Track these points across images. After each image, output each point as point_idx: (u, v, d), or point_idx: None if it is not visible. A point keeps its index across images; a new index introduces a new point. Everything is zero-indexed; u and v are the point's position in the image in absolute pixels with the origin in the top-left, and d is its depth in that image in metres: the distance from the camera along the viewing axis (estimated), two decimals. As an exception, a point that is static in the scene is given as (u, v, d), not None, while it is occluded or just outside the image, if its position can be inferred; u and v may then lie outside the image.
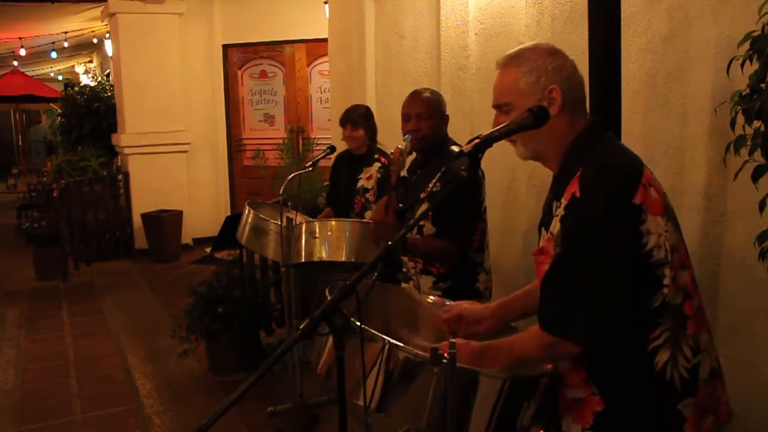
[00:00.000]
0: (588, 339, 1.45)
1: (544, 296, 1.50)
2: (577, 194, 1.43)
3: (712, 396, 1.52)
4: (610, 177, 1.46)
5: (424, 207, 2.62)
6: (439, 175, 2.63)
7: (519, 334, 1.62)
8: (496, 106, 1.60)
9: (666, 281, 1.44)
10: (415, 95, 2.82)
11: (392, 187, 2.55)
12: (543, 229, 1.59)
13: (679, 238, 1.51)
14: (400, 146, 2.58)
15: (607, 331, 1.44)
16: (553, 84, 1.52)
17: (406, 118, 2.77)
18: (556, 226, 1.50)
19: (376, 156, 3.77)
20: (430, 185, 2.64)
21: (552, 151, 1.56)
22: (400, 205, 2.67)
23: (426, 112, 2.72)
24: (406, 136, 2.67)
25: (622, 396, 1.49)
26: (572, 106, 1.55)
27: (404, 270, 2.77)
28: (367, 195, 3.72)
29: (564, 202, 1.48)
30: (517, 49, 1.62)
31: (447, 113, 2.83)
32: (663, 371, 1.46)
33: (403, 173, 2.73)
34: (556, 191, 1.55)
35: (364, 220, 3.22)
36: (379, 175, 3.72)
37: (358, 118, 3.77)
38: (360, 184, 3.76)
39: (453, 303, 1.88)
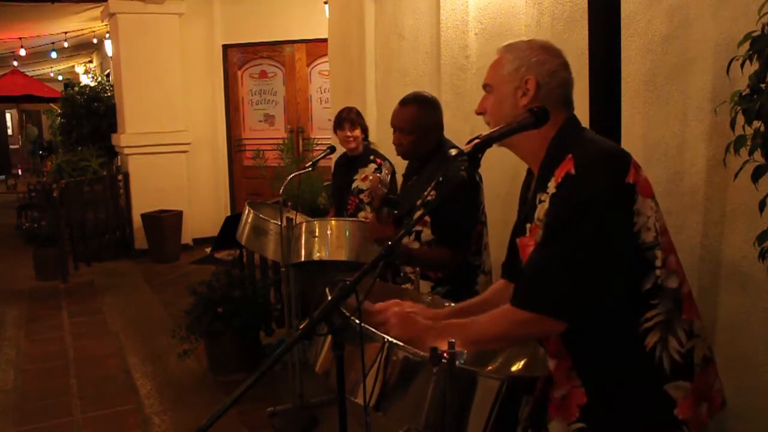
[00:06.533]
0: (563, 313, 1.43)
1: (524, 273, 1.49)
2: (572, 171, 1.45)
3: (705, 383, 1.53)
4: (604, 157, 1.49)
5: (419, 213, 2.59)
6: (435, 182, 2.60)
7: (484, 314, 1.55)
8: (485, 85, 1.68)
9: (658, 263, 1.46)
10: (399, 107, 2.72)
11: (376, 209, 2.55)
12: (529, 223, 1.59)
13: (664, 223, 1.53)
14: (379, 174, 2.56)
15: (587, 308, 1.43)
16: (531, 76, 1.56)
17: (392, 129, 2.74)
18: (543, 210, 1.50)
19: (371, 157, 3.78)
20: (427, 191, 2.61)
21: (528, 144, 1.58)
22: (395, 212, 2.65)
23: (407, 127, 2.66)
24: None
25: (606, 380, 1.49)
26: (547, 102, 1.55)
27: (402, 274, 2.76)
28: (362, 196, 3.73)
29: (554, 183, 1.48)
30: (517, 39, 1.69)
31: (438, 120, 2.72)
32: (652, 352, 1.47)
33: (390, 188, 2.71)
34: (540, 182, 1.55)
35: (364, 220, 3.21)
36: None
37: (355, 118, 3.83)
38: (355, 185, 3.77)
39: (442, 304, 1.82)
